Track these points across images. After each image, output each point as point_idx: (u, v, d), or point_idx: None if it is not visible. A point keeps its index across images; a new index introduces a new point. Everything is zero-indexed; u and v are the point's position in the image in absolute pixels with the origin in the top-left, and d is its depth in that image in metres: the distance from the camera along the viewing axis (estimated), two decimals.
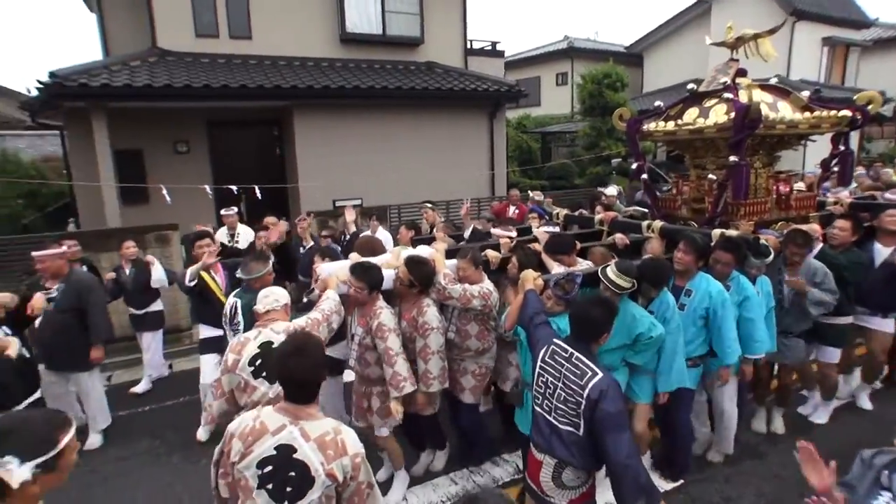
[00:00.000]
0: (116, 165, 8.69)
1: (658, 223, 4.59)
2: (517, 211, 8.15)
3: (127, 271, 5.63)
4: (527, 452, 2.80)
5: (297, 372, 1.97)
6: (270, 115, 10.51)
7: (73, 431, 1.58)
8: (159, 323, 5.95)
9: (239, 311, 3.64)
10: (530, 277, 3.19)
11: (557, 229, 5.14)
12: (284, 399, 2.02)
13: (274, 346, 2.63)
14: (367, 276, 3.23)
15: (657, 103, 5.27)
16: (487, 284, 3.55)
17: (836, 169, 5.32)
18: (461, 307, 3.49)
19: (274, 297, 2.88)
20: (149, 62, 9.19)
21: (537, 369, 2.67)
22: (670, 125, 4.90)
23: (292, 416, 1.97)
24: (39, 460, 1.43)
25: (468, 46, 12.52)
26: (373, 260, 3.62)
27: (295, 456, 1.90)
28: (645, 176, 5.43)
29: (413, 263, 3.41)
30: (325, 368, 2.08)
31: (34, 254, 4.39)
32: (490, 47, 13.73)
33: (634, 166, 5.50)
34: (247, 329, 3.43)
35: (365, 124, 10.49)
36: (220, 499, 2.14)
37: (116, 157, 8.70)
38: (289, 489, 1.90)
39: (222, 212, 7.00)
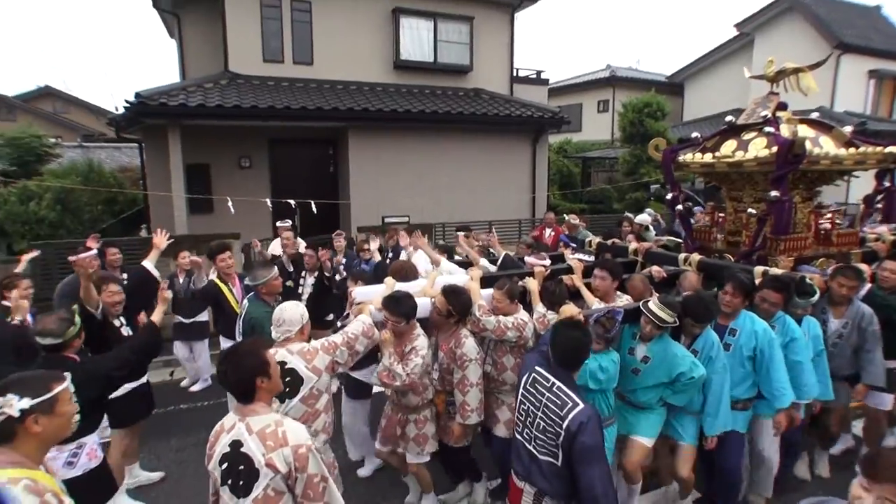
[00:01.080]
0: (186, 177, 9.06)
1: (696, 257, 4.35)
2: (553, 234, 7.98)
3: (181, 280, 5.61)
4: (507, 479, 2.72)
5: (228, 374, 2.01)
6: (326, 135, 10.76)
7: (65, 385, 1.75)
8: (205, 332, 5.92)
9: (242, 316, 3.74)
10: (570, 313, 3.02)
11: (591, 258, 4.87)
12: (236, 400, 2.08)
13: (287, 366, 2.60)
14: (401, 307, 3.03)
15: (694, 134, 5.09)
16: (522, 315, 3.37)
17: (879, 206, 5.09)
18: (496, 339, 3.32)
19: (287, 326, 2.74)
20: (220, 84, 9.57)
21: (519, 396, 2.56)
22: (707, 157, 4.65)
23: (241, 413, 2.01)
24: (36, 400, 1.62)
25: (514, 74, 12.55)
26: (408, 286, 3.50)
27: (242, 450, 1.92)
28: (680, 207, 5.14)
29: (450, 293, 3.22)
30: (254, 375, 2.01)
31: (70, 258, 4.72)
32: (535, 75, 13.74)
33: (669, 196, 5.21)
34: (244, 334, 3.61)
35: (414, 146, 10.62)
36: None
37: (187, 170, 9.06)
38: (241, 482, 1.91)
39: (278, 224, 7.15)
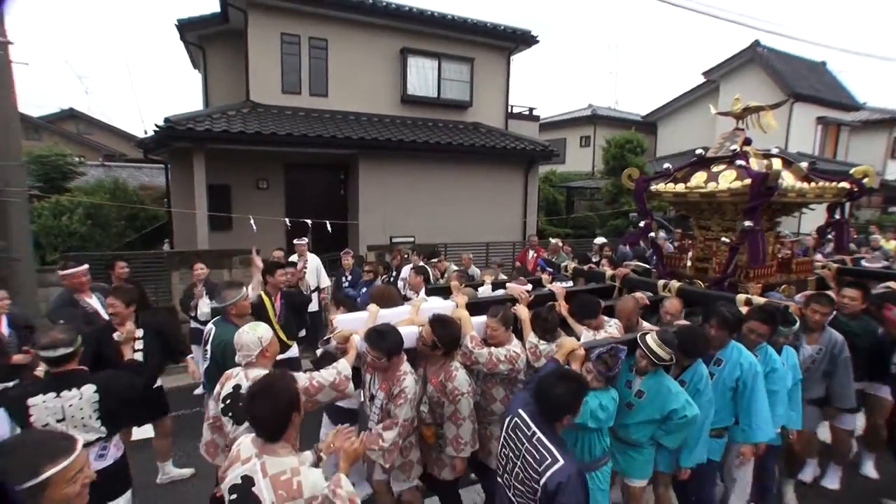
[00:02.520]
0: (208, 197, 9.14)
1: (675, 284, 4.19)
2: (535, 255, 8.21)
3: (199, 288, 5.55)
4: None
5: (259, 411, 1.84)
6: (338, 161, 10.95)
7: (67, 462, 1.36)
8: None
9: (210, 339, 3.34)
10: (571, 347, 2.74)
11: (570, 283, 4.70)
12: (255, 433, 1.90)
13: (241, 390, 2.45)
14: (384, 342, 2.65)
15: (666, 165, 5.01)
16: (515, 346, 3.04)
17: (829, 236, 5.17)
18: (487, 371, 3.01)
19: (245, 350, 2.54)
20: (242, 112, 9.73)
21: (502, 438, 2.30)
22: (680, 187, 4.61)
23: (259, 449, 1.85)
24: (17, 489, 1.27)
25: (509, 110, 12.90)
26: (391, 312, 3.16)
27: (252, 489, 1.76)
28: (652, 234, 5.08)
29: (438, 324, 2.85)
30: (290, 410, 1.88)
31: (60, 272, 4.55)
32: (527, 112, 14.17)
33: (641, 224, 5.09)
34: (213, 358, 3.25)
35: (419, 173, 10.85)
36: None
37: (209, 190, 9.15)
38: None
39: (295, 241, 7.28)
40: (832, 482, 4.07)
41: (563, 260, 7.64)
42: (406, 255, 7.64)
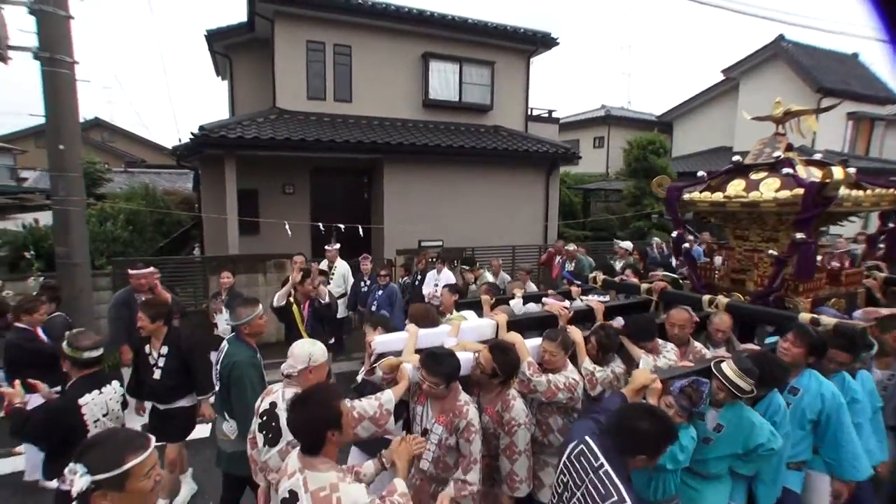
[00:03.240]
0: (238, 202, 9.35)
1: (723, 299, 3.90)
2: (560, 259, 8.15)
3: (223, 297, 5.67)
4: None
5: (296, 423, 1.85)
6: (362, 166, 11.13)
7: (144, 457, 1.48)
8: None
9: (220, 358, 3.11)
10: (645, 380, 2.48)
11: (607, 298, 4.40)
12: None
13: (276, 409, 2.37)
14: (442, 367, 2.45)
15: (700, 173, 4.69)
16: (572, 373, 2.88)
17: (881, 245, 4.87)
18: (545, 401, 2.83)
19: (291, 360, 2.45)
20: (270, 119, 9.95)
21: (560, 464, 2.16)
22: (717, 196, 4.30)
23: (302, 463, 1.84)
24: (100, 476, 1.40)
25: (528, 113, 12.96)
26: (430, 333, 3.04)
27: None
28: (686, 245, 4.78)
29: (499, 351, 2.68)
30: (326, 426, 1.84)
31: (131, 272, 4.81)
32: (547, 114, 14.21)
33: (675, 234, 4.82)
34: (220, 378, 3.08)
35: (442, 177, 10.98)
36: None
37: (238, 195, 9.35)
38: None
39: (326, 247, 7.38)
40: None
41: (583, 265, 7.63)
42: (432, 259, 7.72)
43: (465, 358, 2.72)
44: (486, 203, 11.38)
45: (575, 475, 2.04)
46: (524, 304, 4.15)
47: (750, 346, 3.33)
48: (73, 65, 6.16)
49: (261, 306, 3.25)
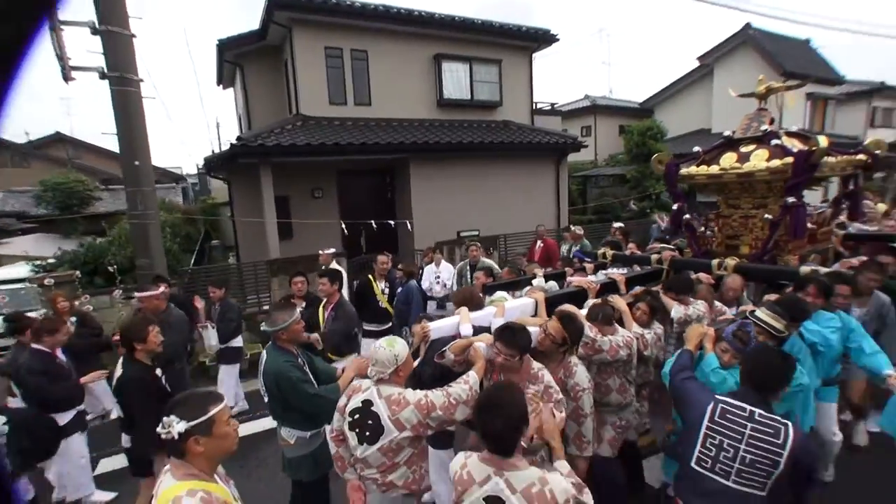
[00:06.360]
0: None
1: (731, 261, 4.36)
2: (542, 246, 8.08)
3: (218, 306, 5.51)
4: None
5: (491, 426, 1.83)
6: (384, 166, 11.55)
7: (222, 406, 1.74)
8: (236, 358, 5.76)
9: (262, 371, 3.04)
10: (701, 332, 2.85)
11: (625, 270, 4.76)
12: (486, 450, 1.90)
13: (372, 407, 2.35)
14: (518, 339, 2.56)
15: (695, 148, 5.16)
16: (626, 333, 3.19)
17: (844, 206, 5.41)
18: (610, 360, 3.08)
19: (378, 367, 2.39)
20: (297, 126, 10.22)
21: (703, 430, 2.26)
22: (714, 168, 4.74)
23: (496, 466, 1.83)
24: (193, 422, 1.65)
25: (534, 107, 13.60)
26: (478, 315, 3.18)
27: None
28: (687, 216, 5.18)
29: (567, 319, 2.84)
30: (523, 424, 1.87)
31: (137, 295, 4.63)
32: (549, 107, 14.90)
33: (675, 207, 5.26)
34: (269, 393, 3.00)
35: (460, 172, 11.52)
36: None
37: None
38: None
39: (320, 251, 7.26)
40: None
41: (587, 247, 7.83)
42: (434, 252, 7.44)
43: (532, 332, 2.84)
44: (504, 194, 12.00)
45: (729, 432, 2.19)
46: (545, 282, 4.52)
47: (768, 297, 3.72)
48: (140, 82, 6.36)
49: (298, 311, 3.17)
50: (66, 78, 6.04)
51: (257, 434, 5.14)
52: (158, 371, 3.38)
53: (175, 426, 1.62)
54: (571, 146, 12.75)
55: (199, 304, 5.44)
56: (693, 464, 2.28)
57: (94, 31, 6.04)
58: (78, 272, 7.16)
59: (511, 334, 2.55)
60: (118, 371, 3.29)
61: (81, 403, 4.05)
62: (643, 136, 14.40)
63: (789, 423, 2.11)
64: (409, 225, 10.58)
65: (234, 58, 11.61)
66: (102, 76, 6.10)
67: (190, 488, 1.60)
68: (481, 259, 6.76)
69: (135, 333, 3.27)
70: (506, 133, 12.14)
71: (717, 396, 2.29)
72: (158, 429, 1.65)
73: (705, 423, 2.26)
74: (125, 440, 3.48)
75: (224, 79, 13.60)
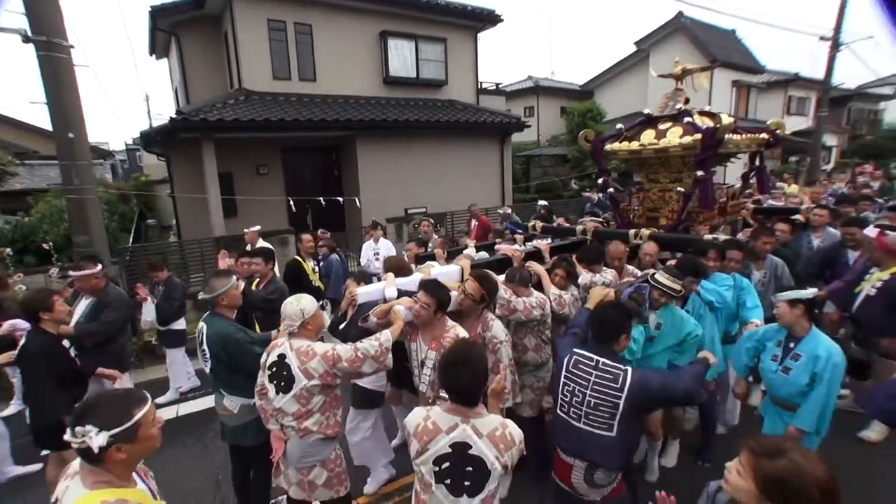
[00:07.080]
0: None
1: (645, 231, 4.70)
2: (476, 224, 8.46)
3: (162, 287, 5.36)
4: (552, 455, 2.65)
5: (459, 382, 1.96)
6: (330, 143, 11.54)
7: (147, 408, 1.54)
8: (180, 341, 5.65)
9: (205, 339, 2.98)
10: (602, 293, 3.04)
11: (549, 240, 4.97)
12: (451, 402, 2.02)
13: (286, 359, 2.51)
14: (440, 293, 2.81)
15: (618, 126, 5.41)
16: (538, 294, 3.37)
17: (752, 181, 5.89)
18: (524, 319, 3.25)
19: (288, 320, 2.55)
20: (239, 101, 10.02)
21: (562, 378, 2.48)
22: (634, 145, 5.01)
23: (462, 415, 1.97)
24: (116, 430, 1.44)
25: (479, 86, 13.88)
26: (406, 280, 3.35)
27: (470, 452, 1.91)
28: (611, 190, 5.52)
29: (482, 279, 3.08)
30: (486, 377, 2.05)
31: (72, 273, 4.26)
32: (494, 87, 15.22)
33: (600, 181, 5.65)
34: (215, 357, 2.96)
35: (407, 150, 11.70)
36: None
37: None
38: (467, 483, 1.90)
39: (245, 230, 7.37)
40: None
41: (517, 220, 8.12)
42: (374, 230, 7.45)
43: (453, 296, 3.04)
44: (451, 172, 12.32)
45: (579, 380, 2.39)
46: (476, 252, 4.88)
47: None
48: (70, 48, 6.05)
49: (234, 277, 3.17)
50: None
51: (211, 409, 5.20)
52: (66, 342, 3.36)
53: (94, 438, 1.39)
54: (515, 126, 13.19)
55: (143, 291, 5.29)
56: (558, 410, 2.51)
57: None
58: (9, 249, 6.82)
59: (435, 286, 2.85)
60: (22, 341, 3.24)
61: None
62: (583, 117, 15.12)
63: (629, 369, 2.32)
64: (357, 202, 10.71)
65: (170, 27, 11.10)
66: (26, 39, 5.77)
67: (103, 499, 1.42)
68: (433, 236, 6.95)
69: (39, 303, 3.23)
70: (452, 112, 12.39)
71: (574, 349, 2.51)
72: (69, 438, 1.42)
73: (563, 372, 2.49)
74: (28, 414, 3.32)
75: (158, 49, 12.95)
